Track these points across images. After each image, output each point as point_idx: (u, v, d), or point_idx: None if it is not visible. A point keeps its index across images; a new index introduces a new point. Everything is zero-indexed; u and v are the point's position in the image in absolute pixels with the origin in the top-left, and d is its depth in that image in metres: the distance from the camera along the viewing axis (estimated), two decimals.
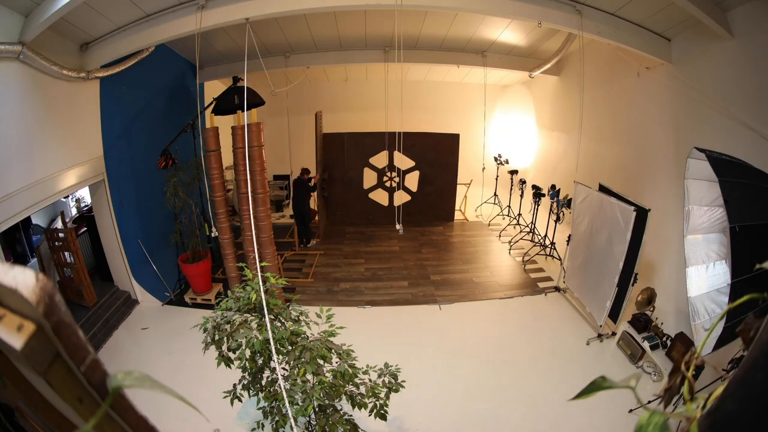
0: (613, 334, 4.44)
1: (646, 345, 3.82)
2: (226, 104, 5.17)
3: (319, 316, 2.43)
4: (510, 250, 6.83)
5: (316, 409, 2.41)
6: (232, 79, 5.55)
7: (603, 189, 4.68)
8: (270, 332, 2.14)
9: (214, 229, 4.36)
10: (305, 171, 6.67)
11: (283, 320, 2.49)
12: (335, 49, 6.35)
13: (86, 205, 6.97)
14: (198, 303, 5.29)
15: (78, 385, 0.38)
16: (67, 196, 6.46)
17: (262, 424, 2.55)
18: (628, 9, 4.01)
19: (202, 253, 5.36)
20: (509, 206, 8.23)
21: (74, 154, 4.37)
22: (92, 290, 4.97)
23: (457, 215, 8.49)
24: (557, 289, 5.52)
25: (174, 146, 5.00)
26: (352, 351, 2.45)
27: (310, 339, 2.33)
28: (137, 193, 5.45)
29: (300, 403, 2.19)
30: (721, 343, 2.48)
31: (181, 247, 5.41)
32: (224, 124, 4.94)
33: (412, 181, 7.96)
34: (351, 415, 2.61)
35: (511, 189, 8.21)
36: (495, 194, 8.65)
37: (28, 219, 6.14)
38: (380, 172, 7.82)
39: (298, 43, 6.08)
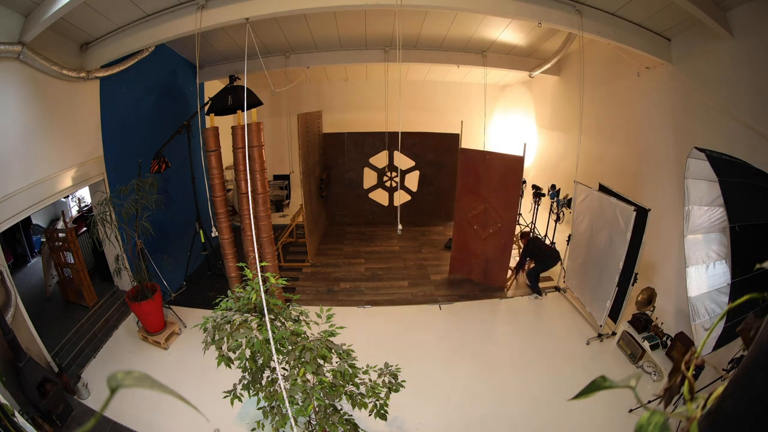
0: (613, 333, 4.44)
1: (646, 345, 3.82)
2: (220, 104, 5.15)
3: (319, 316, 2.43)
4: None
5: (316, 409, 2.41)
6: (228, 77, 5.50)
7: (603, 189, 4.68)
8: (270, 332, 2.14)
9: (214, 229, 4.37)
10: None
11: (283, 320, 2.49)
12: (335, 49, 6.35)
13: (86, 205, 6.97)
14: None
15: None
16: (68, 196, 6.47)
17: (262, 424, 2.55)
18: (628, 9, 4.00)
19: (150, 287, 4.50)
20: None
21: (74, 153, 4.37)
22: (92, 290, 4.97)
23: None
24: (557, 289, 5.52)
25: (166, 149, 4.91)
26: (352, 351, 2.45)
27: (310, 339, 2.33)
28: None
29: (300, 403, 2.19)
30: (721, 342, 2.48)
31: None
32: (224, 124, 4.94)
33: (412, 181, 7.95)
34: (351, 415, 2.61)
35: None
36: None
37: (28, 219, 6.15)
38: (380, 172, 7.82)
39: (298, 43, 6.08)
